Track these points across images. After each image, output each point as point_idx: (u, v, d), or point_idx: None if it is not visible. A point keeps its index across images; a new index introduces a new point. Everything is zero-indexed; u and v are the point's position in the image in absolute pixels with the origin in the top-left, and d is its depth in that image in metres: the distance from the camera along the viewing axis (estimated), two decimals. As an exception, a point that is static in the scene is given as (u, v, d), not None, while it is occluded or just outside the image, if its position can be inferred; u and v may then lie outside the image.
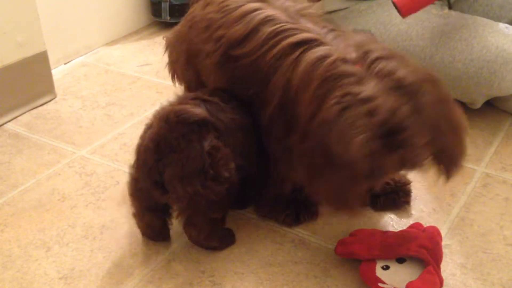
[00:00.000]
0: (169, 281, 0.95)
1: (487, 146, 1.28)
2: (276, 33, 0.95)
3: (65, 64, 1.71)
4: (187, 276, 0.96)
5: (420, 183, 1.16)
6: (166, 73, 1.64)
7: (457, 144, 0.91)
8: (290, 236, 1.04)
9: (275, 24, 0.96)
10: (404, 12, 1.24)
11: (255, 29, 0.97)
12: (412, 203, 1.11)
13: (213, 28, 1.04)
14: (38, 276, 0.97)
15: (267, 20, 0.97)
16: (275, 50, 0.94)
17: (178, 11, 1.90)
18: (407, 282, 0.87)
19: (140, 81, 1.61)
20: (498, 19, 1.42)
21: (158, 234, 1.01)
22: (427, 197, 1.13)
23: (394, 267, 0.91)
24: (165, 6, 1.90)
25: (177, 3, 1.89)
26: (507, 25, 1.32)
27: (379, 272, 0.90)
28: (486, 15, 1.47)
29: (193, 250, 1.01)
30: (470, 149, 1.26)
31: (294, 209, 1.06)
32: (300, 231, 1.05)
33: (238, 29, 0.99)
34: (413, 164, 0.87)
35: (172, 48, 1.25)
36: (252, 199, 1.09)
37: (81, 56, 1.75)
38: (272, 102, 0.94)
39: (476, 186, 1.15)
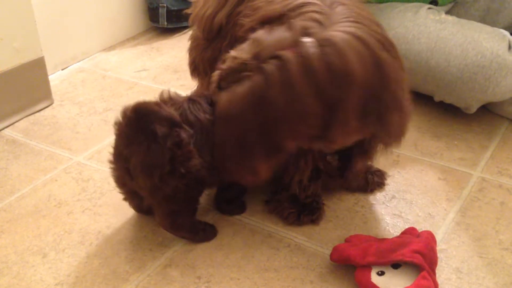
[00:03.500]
0: (165, 287, 0.95)
1: (483, 151, 1.28)
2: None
3: (62, 70, 1.71)
4: (183, 281, 0.96)
5: (417, 188, 1.17)
6: (163, 79, 1.65)
7: (397, 121, 0.93)
8: (286, 241, 1.04)
9: (311, 7, 0.93)
10: None
11: (291, 10, 0.95)
12: (408, 208, 1.11)
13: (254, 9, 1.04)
14: (34, 283, 0.97)
15: (305, 3, 0.95)
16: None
17: (175, 17, 1.90)
18: None
19: (138, 87, 1.61)
20: (494, 24, 1.43)
21: (150, 212, 1.05)
22: (423, 202, 1.13)
23: (389, 273, 0.91)
24: (162, 11, 1.91)
25: (175, 8, 1.89)
26: (503, 30, 1.33)
27: (374, 278, 0.90)
28: (483, 20, 1.47)
29: (190, 256, 1.01)
30: (466, 153, 1.27)
31: (297, 210, 1.07)
32: (296, 236, 1.05)
33: (276, 8, 0.98)
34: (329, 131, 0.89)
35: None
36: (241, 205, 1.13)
37: (79, 62, 1.76)
38: None
39: (472, 191, 1.16)
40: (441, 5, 1.48)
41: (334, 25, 0.88)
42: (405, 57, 1.38)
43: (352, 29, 0.87)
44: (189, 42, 1.27)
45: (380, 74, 0.88)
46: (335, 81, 0.84)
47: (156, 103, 0.96)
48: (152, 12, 1.93)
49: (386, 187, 1.17)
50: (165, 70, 1.70)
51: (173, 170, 0.93)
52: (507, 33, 1.32)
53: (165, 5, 1.89)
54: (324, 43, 0.84)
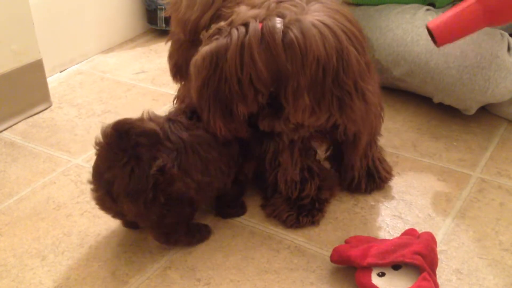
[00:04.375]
0: (164, 289, 0.95)
1: (482, 151, 1.28)
2: None
3: (60, 72, 1.71)
4: (183, 284, 0.96)
5: (416, 189, 1.17)
6: (161, 81, 1.65)
7: (361, 111, 0.98)
8: (286, 243, 1.04)
9: (288, 2, 0.98)
10: (440, 41, 1.17)
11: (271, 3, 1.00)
12: (408, 209, 1.11)
13: None
14: (33, 286, 0.96)
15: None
16: None
17: (170, 22, 1.90)
18: (402, 289, 0.88)
19: (136, 89, 1.61)
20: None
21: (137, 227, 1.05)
22: (422, 203, 1.13)
23: (390, 274, 0.91)
24: (160, 13, 1.91)
25: (173, 10, 1.89)
26: (502, 31, 1.33)
27: (375, 279, 0.90)
28: (481, 21, 1.48)
29: (189, 258, 1.01)
30: (466, 154, 1.27)
31: (295, 211, 1.07)
32: (296, 238, 1.05)
33: (256, 2, 1.00)
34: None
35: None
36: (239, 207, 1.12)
37: (77, 64, 1.75)
38: None
39: (471, 192, 1.16)
40: (439, 7, 1.48)
41: (307, 14, 0.93)
42: (404, 59, 1.38)
43: (321, 18, 0.93)
44: (170, 46, 1.28)
45: (343, 61, 0.93)
46: (289, 54, 0.90)
47: (138, 119, 0.95)
48: (150, 14, 1.93)
49: (386, 188, 1.16)
50: (163, 72, 1.70)
51: (155, 197, 0.90)
52: (506, 34, 1.32)
53: (163, 7, 1.89)
54: (292, 23, 0.91)
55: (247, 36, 0.90)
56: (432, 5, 1.48)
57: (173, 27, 1.25)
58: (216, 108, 0.94)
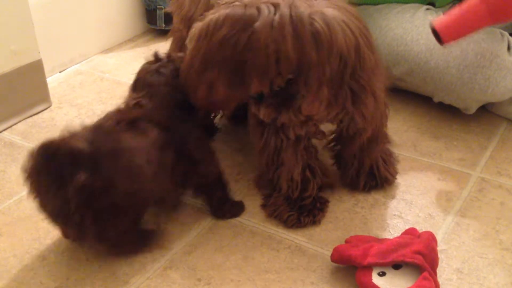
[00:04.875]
0: (165, 289, 0.95)
1: (482, 151, 1.28)
2: None
3: (60, 72, 1.71)
4: (183, 284, 0.96)
5: (416, 188, 1.17)
6: (161, 81, 1.64)
7: (371, 106, 1.00)
8: (286, 242, 1.04)
9: None
10: (445, 39, 1.17)
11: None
12: (408, 208, 1.11)
13: None
14: (34, 286, 0.96)
15: None
16: None
17: (173, 19, 1.90)
18: (403, 288, 0.88)
19: (136, 89, 1.61)
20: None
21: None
22: (422, 202, 1.13)
23: (390, 274, 0.91)
24: (160, 13, 1.90)
25: (172, 10, 1.89)
26: (502, 31, 1.33)
27: (376, 279, 0.90)
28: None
29: (190, 258, 1.01)
30: (466, 153, 1.27)
31: (297, 212, 1.07)
32: (297, 237, 1.05)
33: None
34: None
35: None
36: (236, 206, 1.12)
37: (76, 64, 1.75)
38: None
39: (471, 191, 1.16)
40: (439, 7, 1.48)
41: (320, 8, 0.93)
42: (403, 58, 1.38)
43: (338, 14, 0.93)
44: (171, 43, 1.29)
45: (359, 57, 0.94)
46: (316, 42, 0.90)
47: (61, 138, 0.88)
48: (149, 14, 1.93)
49: (386, 188, 1.16)
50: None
51: (84, 216, 0.87)
52: (506, 33, 1.32)
53: (162, 7, 1.89)
54: (315, 13, 0.91)
55: (277, 15, 0.89)
56: (432, 4, 1.48)
57: (175, 24, 1.25)
58: (226, 72, 0.92)
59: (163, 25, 1.91)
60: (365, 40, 0.97)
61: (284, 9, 0.90)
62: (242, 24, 0.89)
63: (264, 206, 1.12)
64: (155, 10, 1.91)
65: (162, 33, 1.93)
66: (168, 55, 1.06)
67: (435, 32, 1.19)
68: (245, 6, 0.91)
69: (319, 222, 1.08)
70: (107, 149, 0.88)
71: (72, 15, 1.71)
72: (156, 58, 1.05)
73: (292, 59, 0.90)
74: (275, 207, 1.09)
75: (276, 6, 0.90)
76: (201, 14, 1.09)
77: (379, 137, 1.13)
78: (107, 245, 0.98)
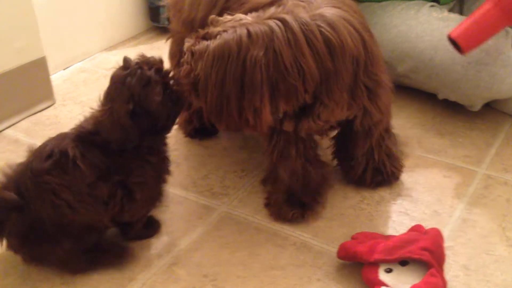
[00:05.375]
0: (171, 285, 0.95)
1: (487, 148, 1.28)
2: None
3: (63, 70, 1.70)
4: (189, 280, 0.96)
5: (422, 185, 1.16)
6: (165, 78, 1.64)
7: (385, 97, 1.01)
8: (291, 239, 1.04)
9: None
10: (465, 48, 1.18)
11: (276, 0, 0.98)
12: (414, 205, 1.11)
13: None
14: (40, 282, 0.96)
15: None
16: None
17: (171, 22, 1.90)
18: (410, 285, 0.87)
19: (139, 86, 1.60)
20: (497, 21, 1.43)
21: None
22: (428, 199, 1.12)
23: (397, 270, 0.90)
24: (163, 11, 1.90)
25: (176, 8, 1.89)
26: (507, 28, 1.32)
27: (382, 275, 0.90)
28: (485, 17, 1.47)
29: (195, 254, 1.01)
30: (471, 150, 1.26)
31: (299, 209, 1.07)
32: (302, 234, 1.05)
33: (261, 1, 1.00)
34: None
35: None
36: None
37: (80, 62, 1.75)
38: None
39: (477, 188, 1.15)
40: (443, 4, 1.48)
41: (318, 9, 0.93)
42: (408, 55, 1.37)
43: (336, 11, 0.93)
44: (171, 45, 1.28)
45: (366, 50, 0.94)
46: (330, 50, 0.90)
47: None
48: (153, 12, 1.92)
49: (392, 185, 1.16)
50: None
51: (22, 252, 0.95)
52: (511, 31, 1.32)
53: (165, 4, 1.89)
54: (316, 18, 0.91)
55: (290, 32, 0.88)
56: (436, 1, 1.48)
57: (174, 26, 1.24)
58: (268, 95, 0.89)
59: (166, 22, 1.91)
60: (368, 33, 0.97)
61: (292, 22, 0.89)
62: (265, 42, 0.87)
63: (267, 205, 1.12)
64: (158, 7, 1.90)
65: (165, 31, 1.92)
66: (140, 57, 0.95)
67: (453, 43, 1.19)
68: (258, 22, 0.89)
69: (320, 215, 1.08)
70: (32, 195, 0.91)
71: (75, 12, 1.71)
72: (125, 64, 0.94)
73: (316, 75, 0.90)
74: (278, 207, 1.09)
75: (283, 21, 0.89)
76: (203, 16, 1.09)
77: (389, 127, 1.14)
78: (54, 266, 0.97)
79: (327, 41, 0.90)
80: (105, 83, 1.60)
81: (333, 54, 0.91)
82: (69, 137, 0.95)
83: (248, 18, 0.91)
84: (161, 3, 1.88)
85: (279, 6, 0.93)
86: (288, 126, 0.98)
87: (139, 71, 0.91)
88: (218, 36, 0.89)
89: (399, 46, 1.39)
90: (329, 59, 0.91)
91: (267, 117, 0.90)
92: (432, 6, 1.42)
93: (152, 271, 0.98)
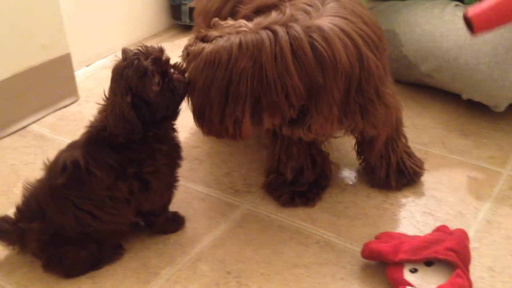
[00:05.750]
0: (195, 281, 0.95)
1: (512, 149, 1.27)
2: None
3: (87, 66, 1.72)
4: (213, 276, 0.96)
5: (446, 185, 1.16)
6: (187, 76, 1.65)
7: (383, 115, 0.99)
8: (315, 237, 1.04)
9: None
10: (477, 28, 1.15)
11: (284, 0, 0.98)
12: (438, 205, 1.10)
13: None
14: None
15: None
16: None
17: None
18: (436, 285, 0.87)
19: (162, 83, 1.61)
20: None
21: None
22: (453, 200, 1.12)
23: (422, 270, 0.90)
24: (185, 9, 1.91)
25: (197, 6, 1.89)
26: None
27: (407, 275, 0.89)
28: None
29: (219, 251, 1.01)
30: (496, 151, 1.25)
31: (291, 193, 1.11)
32: (325, 233, 1.05)
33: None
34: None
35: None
36: None
37: (103, 58, 1.76)
38: None
39: (502, 189, 1.14)
40: (467, 3, 1.46)
41: (321, 17, 0.92)
42: (432, 54, 1.37)
43: (338, 22, 0.91)
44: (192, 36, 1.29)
45: (362, 66, 0.92)
46: (320, 66, 0.89)
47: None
48: (175, 10, 1.93)
49: (415, 185, 1.15)
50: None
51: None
52: (537, 30, 1.30)
53: (187, 2, 1.90)
54: (311, 29, 0.89)
55: (278, 46, 0.87)
56: (461, 0, 1.46)
57: (196, 17, 1.26)
58: (250, 107, 0.90)
59: (188, 20, 1.92)
60: (370, 46, 0.93)
61: (282, 35, 0.87)
62: (254, 55, 0.87)
63: (266, 185, 1.15)
64: (179, 5, 1.91)
65: (186, 28, 1.94)
66: (139, 48, 0.93)
67: (467, 21, 1.17)
68: (252, 32, 0.89)
69: (313, 205, 1.10)
70: (54, 210, 0.93)
71: (99, 10, 1.73)
72: (124, 56, 0.93)
73: (301, 90, 0.89)
74: (276, 185, 1.12)
75: (274, 33, 0.88)
76: (218, 8, 1.10)
77: (399, 136, 1.13)
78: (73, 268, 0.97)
79: (318, 56, 0.88)
80: (127, 80, 1.63)
81: (324, 70, 0.89)
82: (79, 145, 0.96)
83: (248, 25, 0.90)
84: (183, 1, 1.90)
85: (281, 11, 0.91)
86: (286, 131, 0.99)
87: (135, 61, 0.90)
88: (213, 41, 0.90)
89: (423, 45, 1.38)
90: (320, 74, 0.89)
91: (247, 129, 0.92)
92: (457, 5, 1.41)
93: (176, 266, 0.98)
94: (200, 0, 1.21)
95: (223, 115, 0.90)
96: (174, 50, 1.81)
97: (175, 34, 1.95)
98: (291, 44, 0.87)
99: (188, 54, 0.93)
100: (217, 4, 1.12)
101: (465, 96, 1.37)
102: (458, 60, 1.32)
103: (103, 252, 0.97)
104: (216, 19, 0.96)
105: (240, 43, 0.88)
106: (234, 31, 0.90)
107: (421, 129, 1.34)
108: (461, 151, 1.26)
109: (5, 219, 0.96)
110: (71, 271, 0.96)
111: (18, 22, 1.34)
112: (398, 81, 1.51)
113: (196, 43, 0.92)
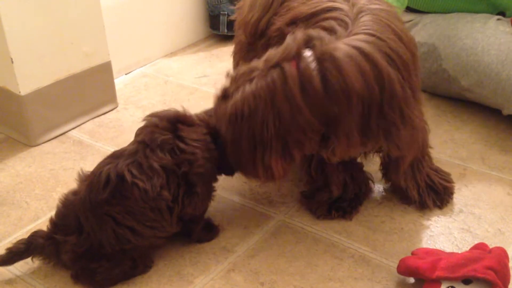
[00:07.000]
0: (228, 291, 0.96)
1: (555, 167, 1.23)
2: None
3: (126, 74, 1.75)
4: (246, 287, 0.96)
5: (485, 202, 1.13)
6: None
7: (408, 137, 0.96)
8: (349, 251, 1.03)
9: (335, 13, 0.96)
10: None
11: (316, 13, 0.98)
12: (476, 222, 1.08)
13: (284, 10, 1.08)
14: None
15: (332, 8, 0.97)
16: None
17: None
18: (474, 304, 0.85)
19: (198, 92, 1.63)
20: None
21: None
22: (492, 217, 1.09)
23: (460, 288, 0.88)
24: (223, 19, 1.93)
25: (235, 16, 1.91)
26: None
27: (444, 293, 0.88)
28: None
29: (252, 261, 1.01)
30: (538, 169, 1.22)
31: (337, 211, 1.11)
32: (360, 247, 1.04)
33: (303, 10, 1.01)
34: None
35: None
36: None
37: (141, 67, 1.79)
38: None
39: (544, 208, 1.11)
40: (510, 16, 1.44)
41: (344, 37, 0.90)
42: (473, 69, 1.35)
43: (360, 43, 0.88)
44: (234, 47, 1.30)
45: (383, 90, 0.89)
46: (332, 97, 0.87)
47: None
48: (213, 20, 1.95)
49: (453, 201, 1.13)
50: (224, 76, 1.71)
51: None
52: None
53: (226, 13, 1.91)
54: (324, 57, 0.87)
55: (287, 85, 0.87)
56: (503, 14, 1.44)
57: (236, 29, 1.27)
58: (275, 150, 0.91)
59: (226, 30, 1.94)
60: (397, 64, 0.91)
61: (290, 72, 0.87)
62: (268, 100, 0.88)
63: (303, 193, 1.15)
64: (218, 15, 1.93)
65: (224, 39, 1.95)
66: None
67: None
68: (262, 75, 0.89)
69: (350, 219, 1.10)
70: (94, 226, 0.94)
71: (138, 20, 1.76)
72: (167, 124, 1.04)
73: (316, 124, 0.89)
74: (312, 200, 1.12)
75: (282, 71, 0.88)
76: (257, 19, 1.11)
77: (424, 157, 1.11)
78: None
79: (329, 87, 0.87)
80: (165, 89, 1.66)
81: (336, 100, 0.87)
82: (124, 156, 0.96)
83: (258, 66, 0.91)
84: (222, 11, 1.91)
85: (294, 38, 0.90)
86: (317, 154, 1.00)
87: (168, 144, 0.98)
88: (232, 97, 0.92)
89: (464, 59, 1.36)
90: (333, 105, 0.88)
91: (278, 171, 0.94)
92: (499, 19, 1.39)
93: (210, 275, 0.99)
94: (240, 12, 1.23)
95: (254, 163, 0.93)
96: (212, 59, 1.85)
97: (212, 43, 1.96)
98: (300, 79, 0.87)
99: (216, 115, 0.97)
100: (256, 16, 1.13)
101: (506, 112, 1.34)
102: (499, 75, 1.29)
103: (135, 269, 0.98)
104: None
105: (253, 95, 0.89)
106: (247, 80, 0.91)
107: (460, 144, 1.32)
108: (501, 167, 1.23)
109: (39, 234, 0.97)
110: (101, 287, 0.96)
111: (63, 31, 1.38)
112: (437, 95, 1.50)
113: (219, 103, 0.95)
